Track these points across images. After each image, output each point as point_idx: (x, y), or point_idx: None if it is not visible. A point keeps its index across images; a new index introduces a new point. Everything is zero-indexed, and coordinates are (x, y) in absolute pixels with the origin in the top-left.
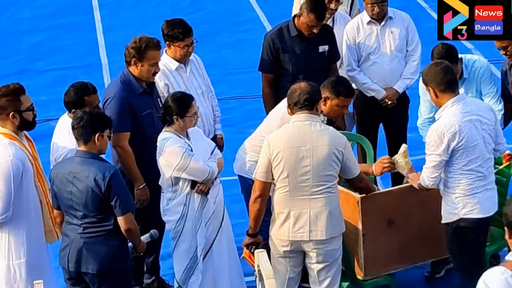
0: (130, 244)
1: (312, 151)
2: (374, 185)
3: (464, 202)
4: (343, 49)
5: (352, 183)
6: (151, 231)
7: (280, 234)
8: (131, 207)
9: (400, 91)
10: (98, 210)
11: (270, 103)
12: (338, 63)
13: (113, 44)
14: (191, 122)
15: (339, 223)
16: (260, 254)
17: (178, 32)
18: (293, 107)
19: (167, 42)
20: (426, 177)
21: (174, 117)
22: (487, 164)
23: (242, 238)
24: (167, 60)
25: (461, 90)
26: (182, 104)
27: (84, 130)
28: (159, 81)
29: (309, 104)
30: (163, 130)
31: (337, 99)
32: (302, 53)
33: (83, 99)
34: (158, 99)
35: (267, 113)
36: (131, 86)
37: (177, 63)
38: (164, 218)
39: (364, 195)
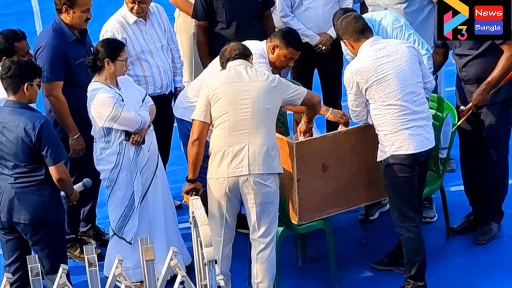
0: (62, 193)
1: (251, 86)
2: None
3: (392, 140)
4: None
5: (305, 105)
6: (84, 180)
7: (219, 173)
8: (62, 156)
9: (334, 36)
10: (29, 160)
11: (204, 51)
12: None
13: None
14: (122, 68)
15: (276, 162)
16: (194, 201)
17: None
18: (226, 63)
19: None
20: (351, 115)
21: (106, 60)
22: (411, 98)
23: (178, 185)
24: (125, 13)
25: None
26: (113, 47)
27: (13, 80)
28: (117, 33)
29: (240, 56)
30: (93, 80)
31: (286, 49)
32: (235, 0)
33: (13, 46)
34: (91, 48)
35: (202, 61)
36: (64, 34)
37: (135, 17)
38: (97, 168)
39: (298, 141)
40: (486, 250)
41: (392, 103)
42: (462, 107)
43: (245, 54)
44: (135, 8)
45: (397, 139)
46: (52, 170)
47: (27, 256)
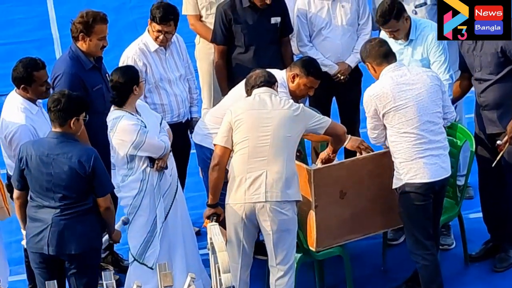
0: (106, 237)
1: (273, 114)
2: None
3: (408, 168)
4: (294, 25)
5: (328, 134)
6: (122, 218)
7: (236, 199)
8: (111, 187)
9: (353, 65)
10: (79, 191)
11: (223, 75)
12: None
13: (64, 17)
14: (141, 89)
15: (295, 189)
16: (212, 227)
17: (158, 13)
18: (251, 90)
19: (149, 19)
20: (369, 136)
21: (134, 87)
22: (428, 127)
23: (196, 211)
24: (147, 40)
25: (409, 50)
26: (134, 72)
27: (61, 114)
28: (138, 60)
29: (265, 84)
30: (113, 108)
31: (306, 78)
32: (254, 24)
33: (32, 75)
34: (106, 75)
35: (220, 85)
36: (81, 62)
37: (156, 45)
38: (118, 195)
39: (316, 167)
40: (504, 277)
41: (409, 131)
42: (498, 141)
43: (270, 82)
44: (161, 37)
45: (412, 167)
46: (100, 200)
47: (46, 282)
